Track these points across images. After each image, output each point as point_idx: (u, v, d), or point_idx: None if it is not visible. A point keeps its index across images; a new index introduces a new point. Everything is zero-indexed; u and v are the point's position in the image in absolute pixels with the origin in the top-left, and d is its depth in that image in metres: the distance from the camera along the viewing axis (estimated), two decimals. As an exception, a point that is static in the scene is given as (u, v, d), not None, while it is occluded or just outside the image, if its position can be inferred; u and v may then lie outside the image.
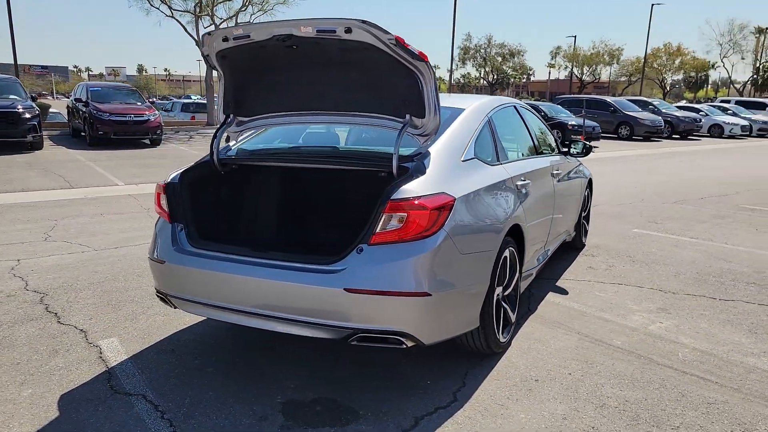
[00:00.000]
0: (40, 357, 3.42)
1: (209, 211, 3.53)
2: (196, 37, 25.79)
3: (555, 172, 4.71)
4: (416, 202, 2.72)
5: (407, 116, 3.06)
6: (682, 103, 45.45)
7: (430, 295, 2.70)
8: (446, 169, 3.05)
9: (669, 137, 26.10)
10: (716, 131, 27.92)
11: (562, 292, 4.69)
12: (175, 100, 37.27)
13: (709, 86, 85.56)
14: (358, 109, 3.24)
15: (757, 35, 65.30)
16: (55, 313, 4.08)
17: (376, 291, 2.65)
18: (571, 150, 5.27)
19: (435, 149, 3.14)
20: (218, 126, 3.54)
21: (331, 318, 2.73)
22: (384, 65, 2.92)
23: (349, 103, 3.24)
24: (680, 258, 5.82)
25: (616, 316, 4.18)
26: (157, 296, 3.34)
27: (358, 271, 2.69)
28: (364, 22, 2.70)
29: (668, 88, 75.19)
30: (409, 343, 2.77)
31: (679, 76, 78.01)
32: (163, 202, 3.29)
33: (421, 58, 2.84)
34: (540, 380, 3.21)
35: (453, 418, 2.82)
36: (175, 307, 3.28)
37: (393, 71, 2.94)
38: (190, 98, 47.34)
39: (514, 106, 4.54)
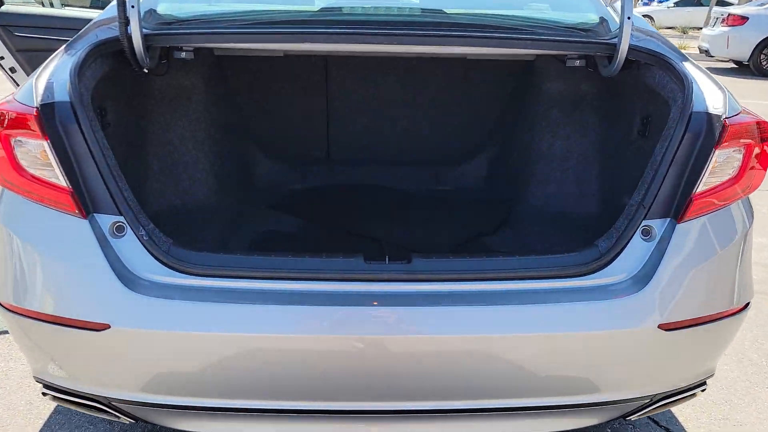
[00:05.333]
0: None
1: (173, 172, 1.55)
2: None
3: None
4: (753, 122, 1.41)
5: None
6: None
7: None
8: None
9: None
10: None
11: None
12: None
13: None
14: None
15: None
16: None
17: (706, 317, 1.34)
18: None
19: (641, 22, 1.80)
20: None
21: (617, 388, 1.32)
22: None
23: None
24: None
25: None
26: (56, 399, 1.33)
27: (671, 282, 1.30)
28: None
29: None
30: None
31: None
32: (29, 153, 1.20)
33: None
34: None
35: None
36: (134, 421, 1.32)
37: None
38: None
39: None
